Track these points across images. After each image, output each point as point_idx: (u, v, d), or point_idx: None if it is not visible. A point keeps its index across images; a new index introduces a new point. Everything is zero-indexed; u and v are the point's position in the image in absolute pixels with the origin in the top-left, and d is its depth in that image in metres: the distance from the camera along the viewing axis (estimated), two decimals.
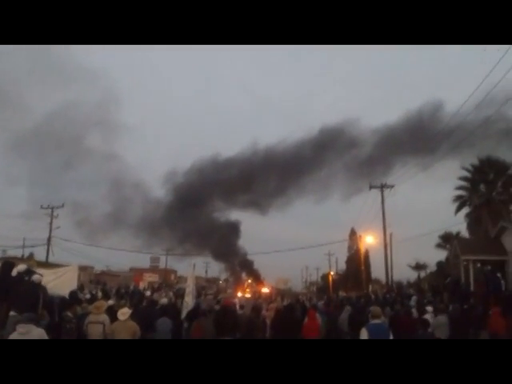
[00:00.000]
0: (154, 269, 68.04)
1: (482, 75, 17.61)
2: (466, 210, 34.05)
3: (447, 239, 42.54)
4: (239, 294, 45.43)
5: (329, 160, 49.92)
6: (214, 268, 72.30)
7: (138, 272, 61.54)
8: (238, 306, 13.76)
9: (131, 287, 33.95)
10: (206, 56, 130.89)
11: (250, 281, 65.20)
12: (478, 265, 22.61)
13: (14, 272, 9.64)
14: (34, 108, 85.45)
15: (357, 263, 53.32)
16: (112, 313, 9.19)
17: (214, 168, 52.53)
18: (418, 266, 55.22)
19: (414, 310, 13.22)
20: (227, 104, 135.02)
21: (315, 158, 50.02)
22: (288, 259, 62.30)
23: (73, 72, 75.04)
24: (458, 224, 36.09)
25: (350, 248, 63.81)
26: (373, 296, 25.36)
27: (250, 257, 60.17)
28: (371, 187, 34.05)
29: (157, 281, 57.47)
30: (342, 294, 47.37)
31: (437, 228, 41.78)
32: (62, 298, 10.24)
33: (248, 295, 46.36)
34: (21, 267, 9.79)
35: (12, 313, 8.31)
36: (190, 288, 12.68)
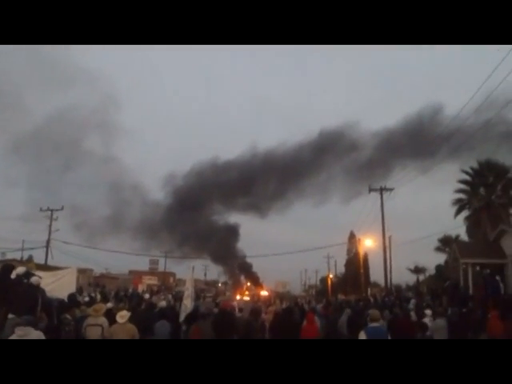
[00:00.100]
0: (153, 271, 67.98)
1: (482, 76, 17.66)
2: (465, 214, 34.04)
3: (446, 242, 42.53)
4: (238, 297, 45.44)
5: (328, 163, 50.10)
6: (212, 271, 72.25)
7: (137, 275, 61.55)
8: (236, 309, 13.74)
9: (130, 290, 33.95)
10: (205, 57, 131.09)
11: (248, 284, 65.21)
12: (477, 268, 22.60)
13: (13, 275, 9.62)
14: (33, 110, 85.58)
15: (356, 266, 53.37)
16: (111, 315, 9.16)
17: (214, 171, 52.66)
18: (417, 270, 55.14)
19: (412, 314, 13.23)
20: (226, 106, 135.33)
21: (315, 161, 50.18)
22: (287, 262, 62.42)
23: (72, 74, 75.18)
24: (458, 227, 36.10)
25: (349, 251, 63.75)
26: (372, 299, 25.33)
27: (248, 260, 60.21)
28: (370, 190, 34.04)
29: (156, 284, 57.47)
30: (340, 297, 47.30)
31: (436, 231, 41.69)
32: (61, 301, 10.23)
33: (247, 298, 46.36)
34: (20, 270, 9.76)
35: (10, 315, 8.28)
36: (188, 291, 12.65)
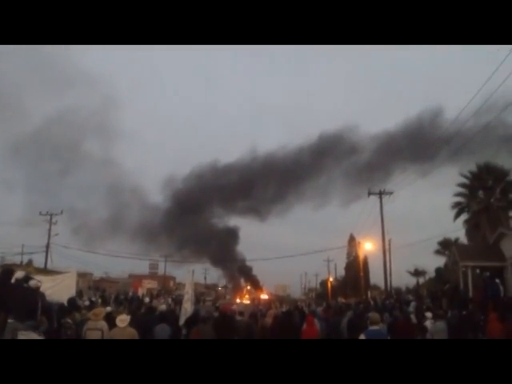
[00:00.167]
0: (152, 275, 67.90)
1: (482, 77, 17.66)
2: (464, 217, 34.02)
3: (446, 245, 42.51)
4: (238, 301, 45.41)
5: (328, 166, 50.23)
6: (212, 274, 72.23)
7: (137, 278, 61.39)
8: (236, 313, 13.71)
9: (130, 294, 33.95)
10: (205, 57, 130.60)
11: (248, 287, 65.13)
12: (477, 271, 22.62)
13: (13, 279, 9.59)
14: (32, 111, 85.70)
15: (356, 269, 53.35)
16: (111, 319, 9.13)
17: (213, 174, 52.74)
18: (417, 272, 55.13)
19: (412, 316, 13.19)
20: (226, 109, 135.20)
21: (314, 164, 50.30)
22: (287, 265, 62.41)
23: (71, 76, 75.36)
24: (457, 230, 36.06)
25: (348, 254, 63.79)
26: (372, 302, 25.29)
27: (248, 263, 60.25)
28: (370, 193, 34.08)
29: (156, 287, 57.35)
30: (341, 300, 47.23)
31: (435, 234, 41.77)
32: (61, 305, 10.21)
33: (247, 301, 46.36)
34: (19, 274, 9.73)
35: (10, 320, 8.26)
36: (188, 294, 12.64)
